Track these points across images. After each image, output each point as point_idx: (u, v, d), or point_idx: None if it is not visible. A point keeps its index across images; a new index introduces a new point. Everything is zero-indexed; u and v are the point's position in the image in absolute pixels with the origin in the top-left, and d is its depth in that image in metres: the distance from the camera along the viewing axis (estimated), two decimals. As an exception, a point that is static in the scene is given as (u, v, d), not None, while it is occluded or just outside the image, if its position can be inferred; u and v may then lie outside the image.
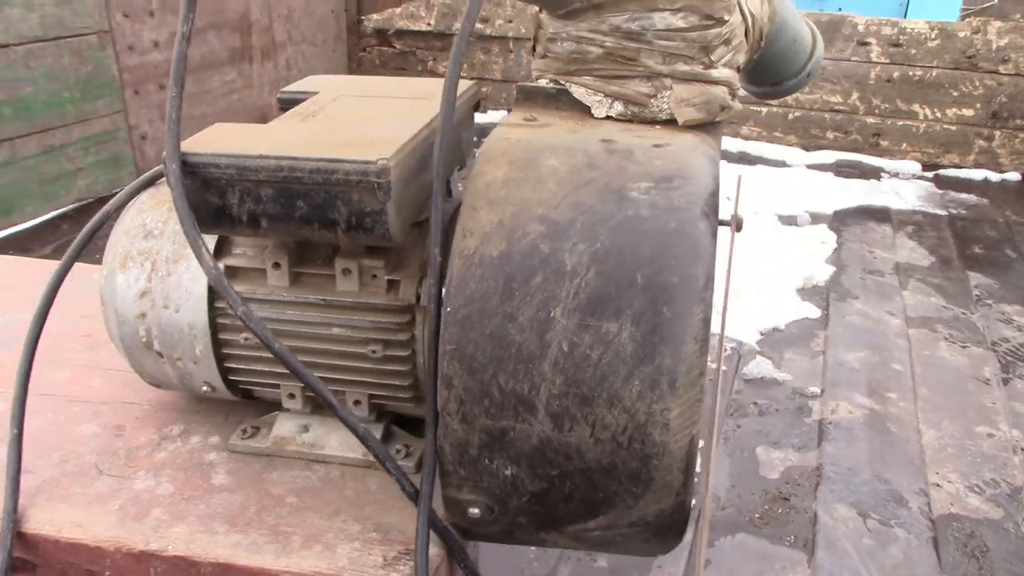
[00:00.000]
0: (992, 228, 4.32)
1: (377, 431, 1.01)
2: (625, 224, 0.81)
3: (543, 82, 1.03)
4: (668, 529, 0.86)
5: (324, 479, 0.99)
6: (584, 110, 1.00)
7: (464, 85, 1.09)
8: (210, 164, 0.85)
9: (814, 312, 3.35)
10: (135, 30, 4.25)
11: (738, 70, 1.06)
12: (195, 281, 0.97)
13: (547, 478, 0.83)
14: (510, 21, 5.75)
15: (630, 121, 0.99)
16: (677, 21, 0.96)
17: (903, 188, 4.83)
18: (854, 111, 5.33)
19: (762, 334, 3.16)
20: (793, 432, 2.58)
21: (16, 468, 0.95)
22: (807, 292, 3.52)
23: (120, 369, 1.14)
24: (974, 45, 4.97)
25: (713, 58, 0.99)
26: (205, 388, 1.03)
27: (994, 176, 5.07)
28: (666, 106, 0.98)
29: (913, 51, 5.11)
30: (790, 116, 5.44)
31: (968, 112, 5.11)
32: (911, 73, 5.14)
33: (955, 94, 5.09)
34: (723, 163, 4.60)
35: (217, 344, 0.99)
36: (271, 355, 0.84)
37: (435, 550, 0.88)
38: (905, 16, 6.14)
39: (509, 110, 1.04)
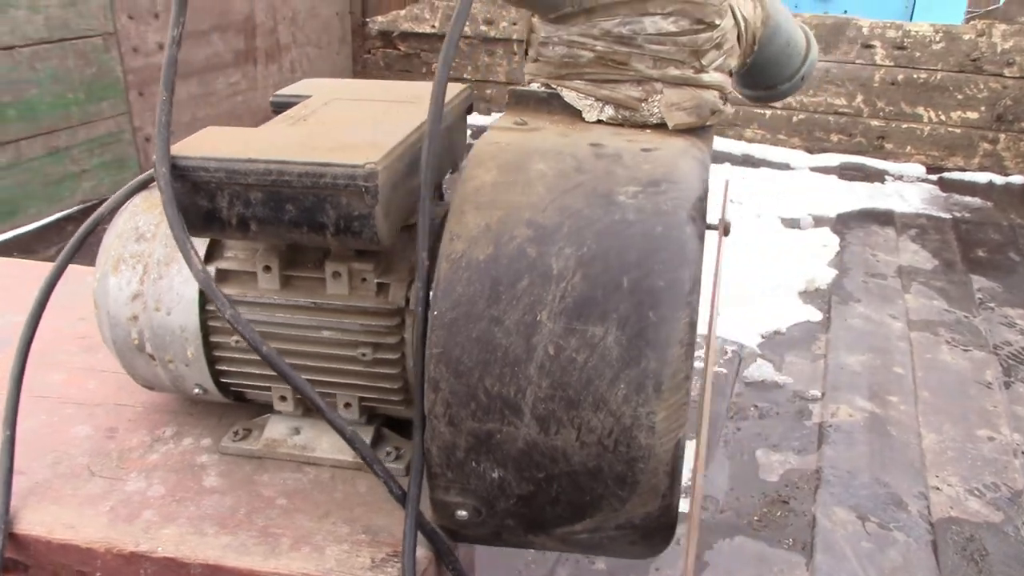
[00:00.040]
0: (996, 231, 4.31)
1: (368, 433, 1.02)
2: (612, 228, 0.81)
3: (535, 86, 1.03)
4: (655, 532, 0.86)
5: (314, 481, 1.00)
6: (575, 114, 1.00)
7: (456, 88, 1.09)
8: (199, 168, 0.85)
9: (816, 315, 3.34)
10: (140, 32, 4.27)
11: (730, 74, 1.07)
12: (187, 284, 0.98)
13: (534, 481, 0.83)
14: (514, 24, 5.75)
15: (621, 125, 0.99)
16: (668, 25, 0.96)
17: (907, 191, 4.83)
18: (858, 114, 5.32)
19: (763, 337, 3.16)
20: (793, 435, 2.58)
21: (8, 469, 0.96)
22: (809, 295, 3.52)
23: (114, 371, 1.14)
24: (979, 48, 4.97)
25: (704, 62, 0.99)
26: (197, 390, 1.03)
27: (999, 179, 5.06)
28: (657, 110, 0.98)
29: (918, 54, 5.10)
30: (794, 119, 5.44)
31: (973, 115, 5.10)
32: (915, 76, 5.14)
33: (960, 97, 5.09)
34: (727, 166, 4.62)
35: (208, 347, 0.99)
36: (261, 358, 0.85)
37: (423, 552, 0.88)
38: (911, 19, 6.14)
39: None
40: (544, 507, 0.85)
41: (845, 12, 6.17)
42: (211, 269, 0.98)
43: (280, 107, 1.08)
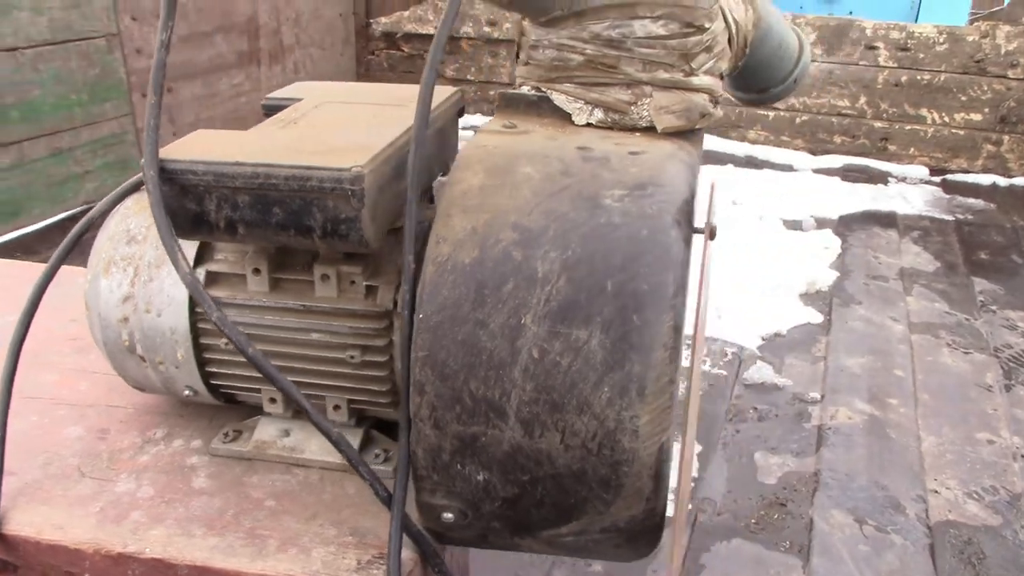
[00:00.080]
0: (999, 233, 4.30)
1: (357, 435, 1.02)
2: (597, 231, 0.81)
3: (525, 89, 1.04)
4: (640, 535, 0.86)
5: (303, 483, 1.00)
6: (565, 117, 1.01)
7: (447, 91, 1.10)
8: (188, 171, 0.86)
9: (816, 317, 3.34)
10: (143, 33, 4.28)
11: (721, 77, 1.07)
12: (177, 286, 0.98)
13: (519, 484, 0.83)
14: (517, 25, 5.75)
15: (610, 128, 1.00)
16: (657, 29, 0.96)
17: (910, 193, 4.82)
18: (862, 115, 5.31)
19: (763, 339, 3.16)
20: (792, 438, 2.58)
21: (-2, 470, 0.96)
22: (810, 297, 3.51)
23: (106, 373, 1.14)
24: (982, 49, 4.96)
25: (694, 65, 0.99)
26: (187, 392, 1.04)
27: (1002, 181, 5.04)
28: (646, 113, 0.98)
29: (921, 55, 5.10)
30: (797, 120, 5.43)
31: (976, 117, 5.09)
32: (919, 77, 5.13)
33: (963, 99, 5.08)
34: (729, 167, 4.61)
35: (199, 348, 1.00)
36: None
37: (409, 554, 0.88)
38: (916, 20, 6.13)
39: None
40: (529, 510, 0.85)
41: (850, 13, 6.16)
42: (201, 271, 0.98)
43: (271, 110, 1.08)
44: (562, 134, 0.97)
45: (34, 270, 1.48)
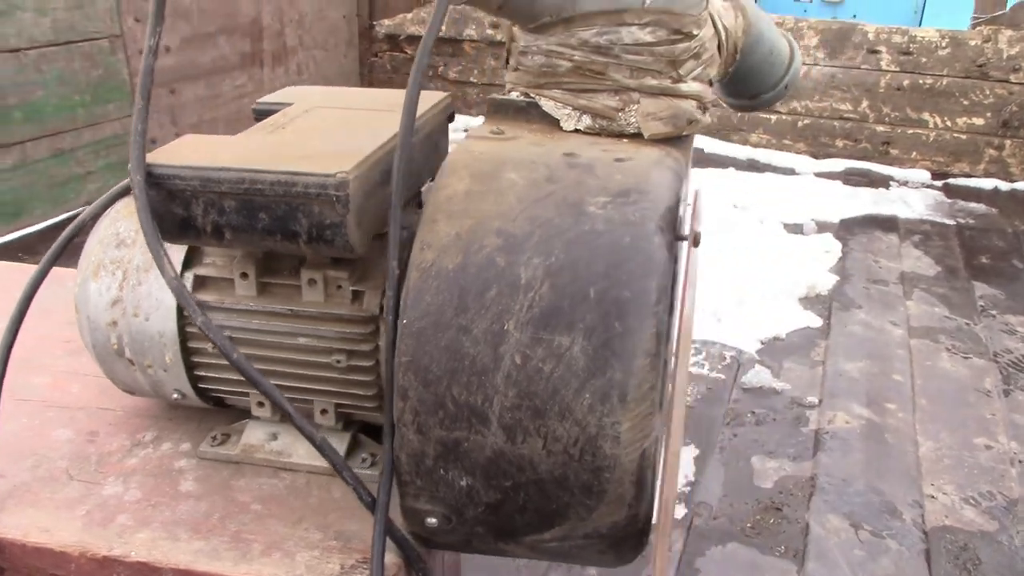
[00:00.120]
0: (1000, 238, 4.30)
1: (344, 439, 1.02)
2: (580, 238, 0.82)
3: (514, 95, 1.04)
4: (623, 541, 0.86)
5: (290, 487, 1.00)
6: (554, 123, 1.01)
7: (436, 97, 1.10)
8: (174, 176, 0.86)
9: (816, 321, 3.34)
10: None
11: (711, 83, 1.07)
12: (165, 290, 0.98)
13: (501, 489, 0.83)
14: (520, 27, 5.75)
15: (598, 134, 1.00)
16: (645, 36, 0.97)
17: (911, 197, 4.81)
18: (864, 119, 5.31)
19: (762, 343, 3.16)
20: (789, 442, 2.58)
21: (-13, 472, 0.97)
22: (809, 301, 3.51)
23: (98, 375, 1.15)
24: (985, 54, 4.95)
25: (682, 72, 0.99)
26: (176, 395, 1.04)
27: (1004, 185, 5.04)
28: (634, 120, 0.99)
29: (923, 59, 5.09)
30: (799, 124, 5.43)
31: (978, 121, 5.08)
32: (921, 81, 5.13)
33: (965, 103, 5.07)
34: (731, 170, 4.60)
35: (186, 352, 1.00)
36: (235, 364, 0.85)
37: (392, 559, 0.88)
38: (920, 25, 6.13)
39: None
40: (513, 515, 0.85)
41: (854, 16, 6.16)
42: (189, 275, 0.98)
43: (262, 115, 1.09)
44: (549, 140, 0.97)
45: (13, 272, 1.48)
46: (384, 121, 1.01)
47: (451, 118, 1.15)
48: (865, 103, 5.27)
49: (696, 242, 0.89)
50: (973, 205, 4.76)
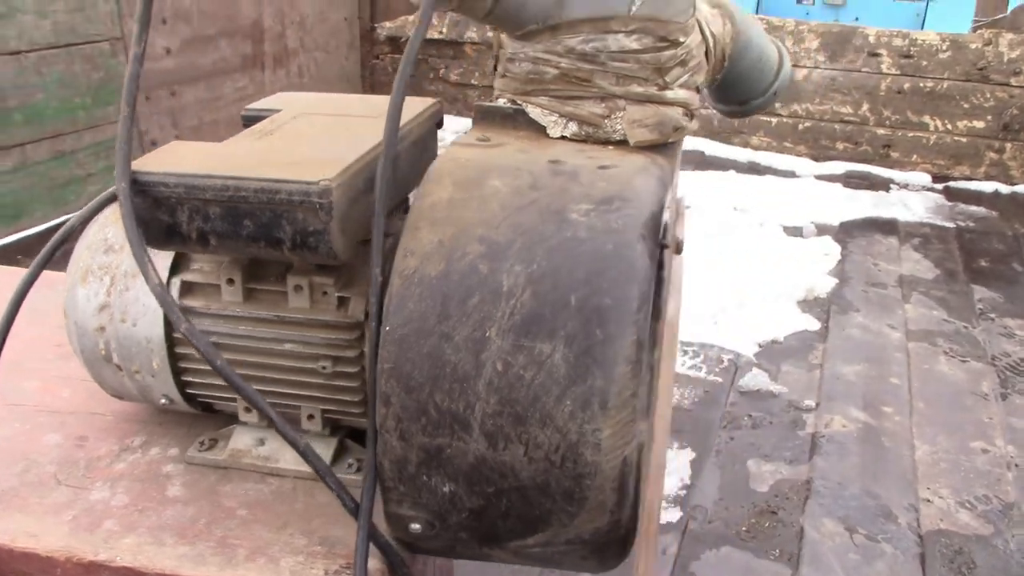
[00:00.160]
0: (1000, 241, 4.30)
1: (331, 445, 1.03)
2: (562, 246, 0.82)
3: (502, 101, 1.04)
4: (605, 547, 0.86)
5: (276, 492, 1.01)
6: (540, 130, 1.01)
7: (424, 103, 1.10)
8: (159, 183, 0.87)
9: (814, 324, 3.34)
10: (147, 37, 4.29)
11: (698, 90, 1.07)
12: (152, 296, 0.99)
13: (484, 495, 0.84)
14: (521, 30, 5.76)
15: (584, 141, 1.00)
16: (631, 43, 0.97)
17: (912, 200, 4.81)
18: (864, 122, 5.31)
19: (760, 346, 3.16)
20: (785, 445, 2.58)
21: (-24, 477, 0.97)
22: (808, 304, 3.51)
23: (88, 380, 1.15)
24: (985, 57, 4.95)
25: (668, 79, 1.00)
26: (164, 401, 1.04)
27: (1004, 188, 5.04)
28: (619, 127, 0.99)
29: (924, 62, 5.09)
30: (800, 126, 5.43)
31: (979, 124, 5.08)
32: (922, 84, 5.12)
33: (966, 106, 5.07)
34: (731, 173, 4.60)
35: (174, 358, 1.00)
36: (222, 370, 0.86)
37: (376, 564, 0.89)
38: (922, 28, 6.12)
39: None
40: (495, 521, 0.85)
41: (856, 20, 6.16)
42: (176, 281, 0.99)
43: (251, 120, 1.09)
44: (535, 147, 0.97)
45: (7, 275, 1.49)
46: (371, 128, 1.01)
47: (440, 124, 1.15)
48: (866, 106, 5.27)
49: (678, 249, 0.89)
50: (973, 208, 4.76)
